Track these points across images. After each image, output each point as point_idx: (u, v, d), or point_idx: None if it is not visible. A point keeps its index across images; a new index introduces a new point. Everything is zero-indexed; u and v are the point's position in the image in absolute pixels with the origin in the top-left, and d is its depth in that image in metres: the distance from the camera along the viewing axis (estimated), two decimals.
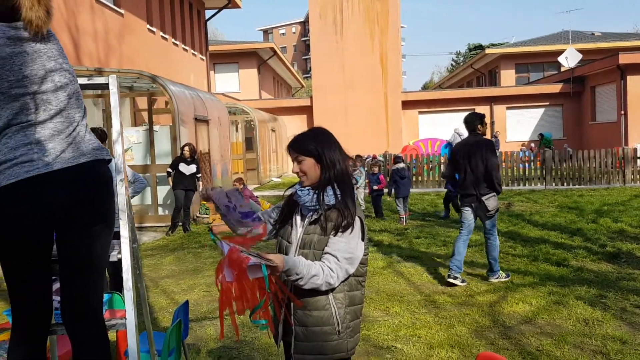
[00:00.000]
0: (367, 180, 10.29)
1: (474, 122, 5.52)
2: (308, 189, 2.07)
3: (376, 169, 10.13)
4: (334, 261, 1.95)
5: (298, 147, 2.08)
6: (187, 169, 8.84)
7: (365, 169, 10.60)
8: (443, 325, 4.31)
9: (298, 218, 2.12)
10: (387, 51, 23.19)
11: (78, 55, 10.38)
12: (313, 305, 1.98)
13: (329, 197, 2.02)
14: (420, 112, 23.65)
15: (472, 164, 5.35)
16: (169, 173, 9.03)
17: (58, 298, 2.16)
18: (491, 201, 5.30)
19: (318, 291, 1.96)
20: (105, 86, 2.19)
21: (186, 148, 8.88)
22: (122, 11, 12.58)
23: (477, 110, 20.13)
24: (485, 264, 5.70)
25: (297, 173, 2.09)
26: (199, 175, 9.06)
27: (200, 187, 8.99)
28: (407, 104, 23.39)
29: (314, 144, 2.07)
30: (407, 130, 23.40)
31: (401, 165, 9.59)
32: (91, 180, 2.03)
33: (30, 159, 1.90)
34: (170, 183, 8.96)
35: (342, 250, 1.96)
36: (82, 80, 2.18)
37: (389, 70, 23.20)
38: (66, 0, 9.96)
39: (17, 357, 2.04)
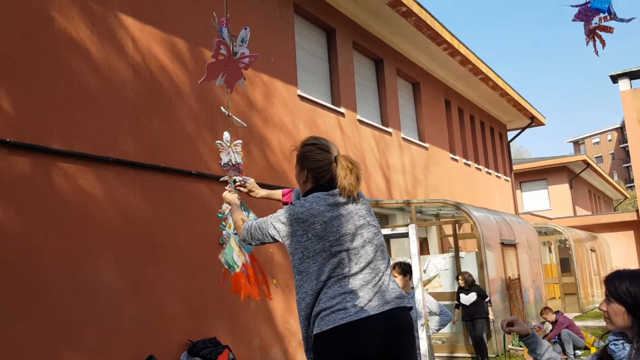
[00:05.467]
0: None
1: None
2: (622, 342, 1.76)
3: None
4: None
5: (609, 285, 1.82)
6: (466, 299, 8.58)
7: None
8: None
9: None
10: None
11: (389, 189, 11.47)
12: None
13: None
14: None
15: None
16: (456, 305, 8.86)
17: None
18: None
19: None
20: (405, 235, 2.38)
21: (460, 277, 8.70)
22: (426, 145, 13.60)
23: None
24: None
25: (603, 311, 1.83)
26: (487, 300, 8.64)
27: (491, 313, 8.57)
28: None
29: (632, 288, 1.75)
30: None
31: None
32: (395, 326, 2.18)
33: (345, 307, 2.16)
34: (455, 315, 8.70)
35: None
36: (386, 231, 2.41)
37: None
38: (379, 143, 11.32)
39: None
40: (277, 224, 2.37)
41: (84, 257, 5.46)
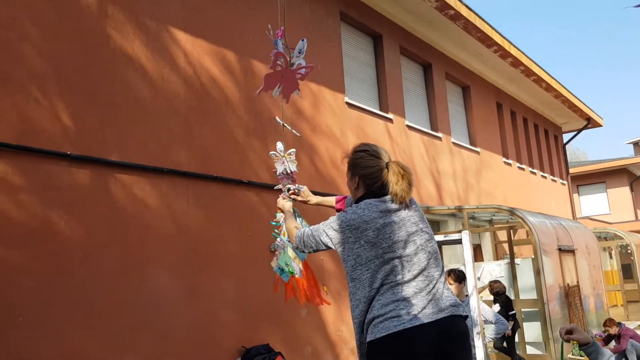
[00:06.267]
0: None
1: None
2: None
3: None
4: None
5: None
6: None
7: None
8: None
9: None
10: None
11: (440, 195, 11.29)
12: None
13: None
14: None
15: None
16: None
17: None
18: None
19: None
20: (459, 241, 2.33)
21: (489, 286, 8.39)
22: (478, 149, 13.33)
23: None
24: None
25: None
26: (510, 313, 8.26)
27: (509, 328, 8.21)
28: None
29: None
30: None
31: None
32: (450, 335, 2.13)
33: (398, 314, 2.13)
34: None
35: None
36: (439, 238, 2.37)
37: None
38: (428, 149, 11.17)
39: None
40: (329, 231, 2.37)
41: (141, 264, 5.62)
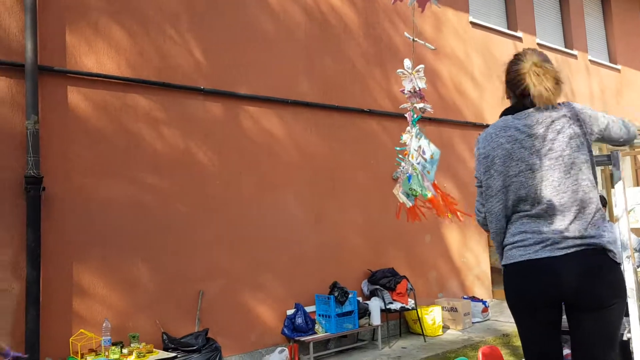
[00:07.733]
0: None
1: None
2: None
3: None
4: None
5: None
6: None
7: None
8: None
9: None
10: None
11: None
12: None
13: None
14: None
15: None
16: None
17: None
18: None
19: None
20: (607, 162, 2.18)
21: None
22: (618, 67, 12.09)
23: None
24: None
25: None
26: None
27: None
28: None
29: None
30: None
31: None
32: (583, 268, 2.04)
33: (525, 244, 2.08)
34: None
35: None
36: None
37: None
38: (562, 69, 10.32)
39: None
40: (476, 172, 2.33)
41: (272, 191, 5.95)
